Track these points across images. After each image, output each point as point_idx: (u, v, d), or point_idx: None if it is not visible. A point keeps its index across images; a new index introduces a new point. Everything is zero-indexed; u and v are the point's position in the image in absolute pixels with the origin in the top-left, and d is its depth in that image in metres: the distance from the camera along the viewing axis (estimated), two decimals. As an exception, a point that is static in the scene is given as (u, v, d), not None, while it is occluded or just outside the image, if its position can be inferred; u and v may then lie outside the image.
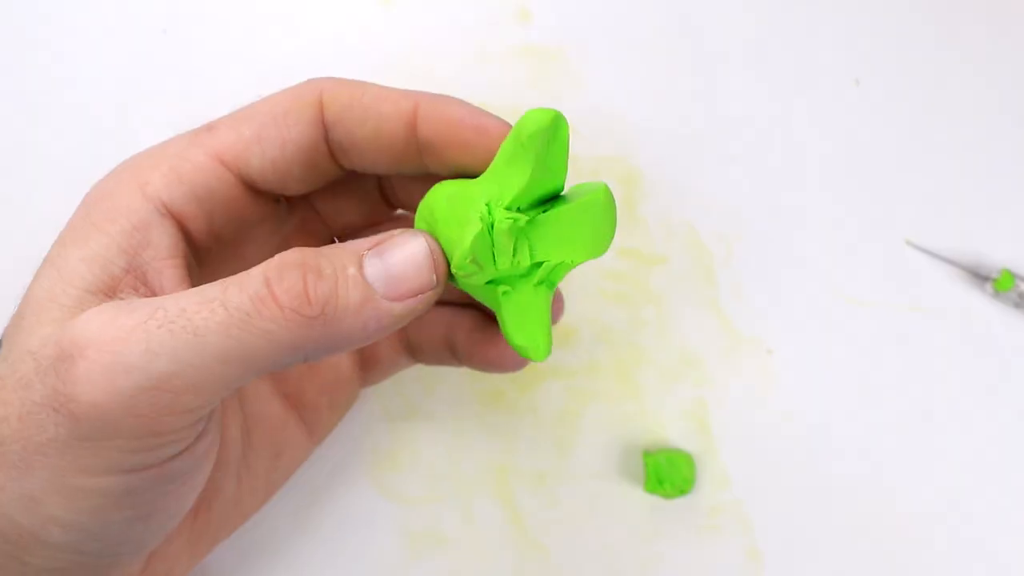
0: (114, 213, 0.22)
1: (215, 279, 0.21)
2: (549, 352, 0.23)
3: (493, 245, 0.22)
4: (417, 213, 0.24)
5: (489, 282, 0.23)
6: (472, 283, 0.23)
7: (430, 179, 0.25)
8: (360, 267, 0.21)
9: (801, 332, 0.33)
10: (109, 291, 0.21)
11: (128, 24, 0.34)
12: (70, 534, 0.21)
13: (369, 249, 0.21)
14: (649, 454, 0.32)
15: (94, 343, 0.19)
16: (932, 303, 0.33)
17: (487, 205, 0.22)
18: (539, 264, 0.23)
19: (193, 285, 0.23)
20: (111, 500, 0.20)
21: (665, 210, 0.33)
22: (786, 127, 0.34)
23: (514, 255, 0.23)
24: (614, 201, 0.23)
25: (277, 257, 0.21)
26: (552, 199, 0.23)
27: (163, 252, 0.22)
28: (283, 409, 0.28)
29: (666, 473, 0.32)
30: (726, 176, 0.33)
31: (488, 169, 0.23)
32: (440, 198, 0.23)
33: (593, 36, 0.34)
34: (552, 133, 0.21)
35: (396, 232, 0.22)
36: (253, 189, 0.24)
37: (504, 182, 0.22)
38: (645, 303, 0.33)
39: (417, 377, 0.32)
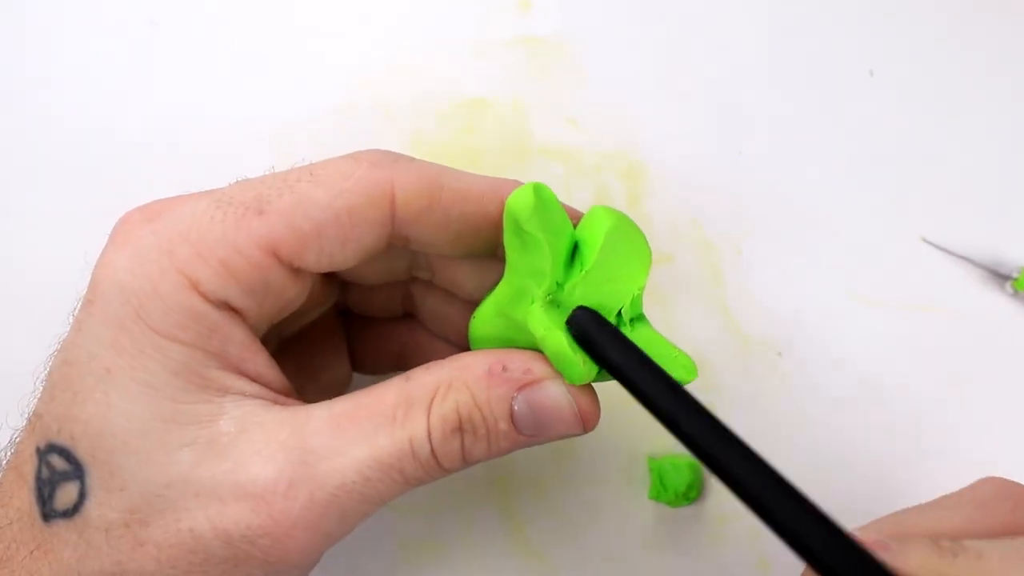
0: (179, 318, 0.22)
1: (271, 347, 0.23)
2: (695, 367, 0.24)
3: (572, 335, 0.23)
4: (473, 341, 0.25)
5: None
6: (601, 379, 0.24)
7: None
8: (510, 416, 0.23)
9: (812, 334, 0.33)
10: (220, 391, 0.22)
11: (116, 15, 0.34)
12: None
13: (519, 391, 0.23)
14: (654, 460, 0.32)
15: (300, 525, 0.22)
16: (949, 303, 0.33)
17: (540, 302, 0.23)
18: (618, 314, 0.24)
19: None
20: None
21: (670, 207, 0.33)
22: (796, 119, 0.33)
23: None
24: (618, 213, 0.24)
25: (438, 410, 0.22)
26: (573, 249, 0.24)
27: (244, 343, 0.23)
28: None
29: (671, 480, 0.31)
30: (734, 171, 0.33)
31: (507, 269, 0.24)
32: (487, 321, 0.24)
33: (594, 26, 0.34)
34: (541, 203, 0.22)
35: (549, 378, 0.23)
36: (299, 270, 0.24)
37: (532, 270, 0.23)
38: (650, 303, 0.33)
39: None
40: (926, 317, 0.33)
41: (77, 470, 0.22)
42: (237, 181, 0.23)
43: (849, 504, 0.31)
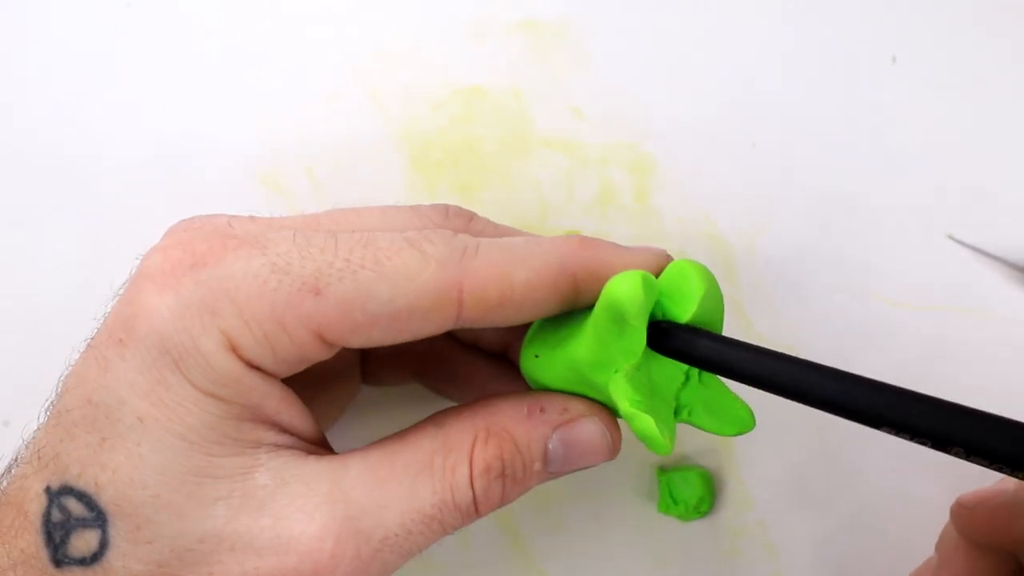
0: (218, 376, 0.22)
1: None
2: (752, 418, 0.25)
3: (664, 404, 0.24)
4: (531, 380, 0.25)
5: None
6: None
7: None
8: (545, 456, 0.24)
9: (831, 336, 0.32)
10: (255, 444, 0.22)
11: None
12: None
13: (555, 430, 0.24)
14: (663, 471, 0.32)
15: None
16: (977, 304, 0.32)
17: (625, 374, 0.23)
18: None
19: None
20: None
21: (681, 201, 0.32)
22: (814, 109, 0.32)
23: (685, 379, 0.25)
24: (705, 271, 0.24)
25: (480, 456, 0.23)
26: None
27: (279, 396, 0.23)
28: None
29: (682, 492, 0.31)
30: (748, 163, 0.32)
31: (592, 338, 0.23)
32: (554, 370, 0.25)
33: (600, 9, 0.33)
34: (649, 296, 0.22)
35: (585, 416, 0.24)
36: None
37: (625, 350, 0.23)
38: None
39: (411, 390, 0.32)
40: (953, 319, 0.32)
41: (98, 518, 0.22)
42: (295, 239, 0.22)
43: (869, 519, 0.31)
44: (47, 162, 0.33)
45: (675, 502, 0.31)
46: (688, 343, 0.23)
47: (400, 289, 0.22)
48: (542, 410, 0.24)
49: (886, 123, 0.32)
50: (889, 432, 0.22)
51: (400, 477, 0.23)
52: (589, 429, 0.24)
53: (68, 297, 0.32)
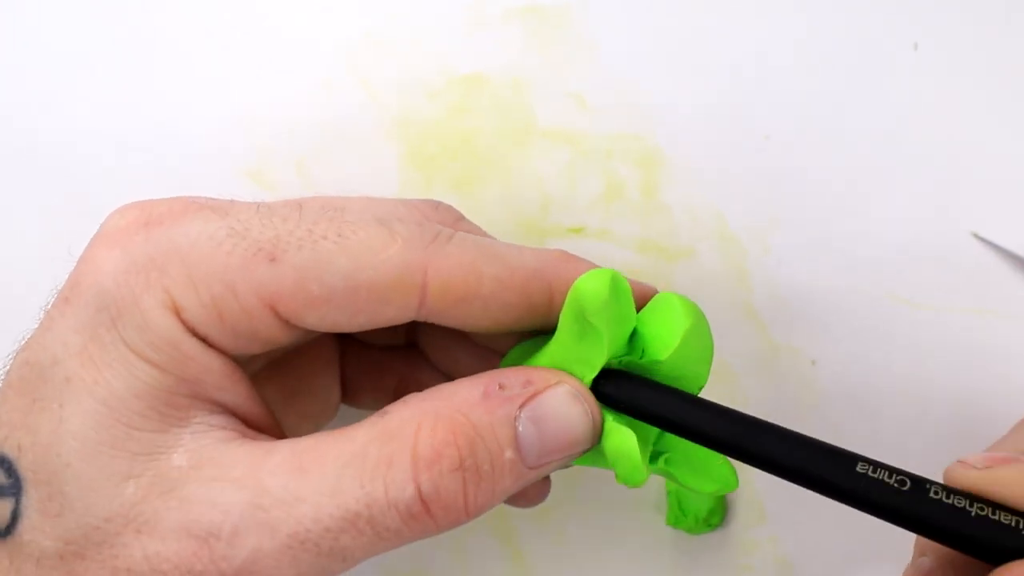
0: (154, 338, 0.21)
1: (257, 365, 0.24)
2: (736, 478, 0.24)
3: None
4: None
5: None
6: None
7: None
8: (515, 441, 0.21)
9: (849, 340, 0.31)
10: (183, 420, 0.21)
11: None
12: None
13: (522, 406, 0.21)
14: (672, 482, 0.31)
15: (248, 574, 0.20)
16: (1003, 306, 0.31)
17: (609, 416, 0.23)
18: None
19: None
20: None
21: (689, 197, 0.32)
22: (831, 99, 0.32)
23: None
24: (693, 306, 0.24)
25: (427, 442, 0.20)
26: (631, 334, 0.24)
27: (223, 372, 0.22)
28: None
29: (691, 504, 0.31)
30: (761, 157, 0.32)
31: (556, 343, 0.23)
32: None
33: None
34: (614, 296, 0.22)
35: (552, 384, 0.22)
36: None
37: (582, 359, 0.22)
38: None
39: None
40: (977, 321, 0.31)
41: (14, 486, 0.21)
42: (259, 208, 0.22)
43: (887, 532, 0.29)
44: (34, 159, 0.33)
45: (684, 514, 0.31)
46: (623, 390, 0.23)
47: (361, 263, 0.21)
48: (501, 387, 0.22)
49: (907, 114, 0.32)
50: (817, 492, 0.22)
51: (326, 468, 0.21)
52: (560, 398, 0.22)
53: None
